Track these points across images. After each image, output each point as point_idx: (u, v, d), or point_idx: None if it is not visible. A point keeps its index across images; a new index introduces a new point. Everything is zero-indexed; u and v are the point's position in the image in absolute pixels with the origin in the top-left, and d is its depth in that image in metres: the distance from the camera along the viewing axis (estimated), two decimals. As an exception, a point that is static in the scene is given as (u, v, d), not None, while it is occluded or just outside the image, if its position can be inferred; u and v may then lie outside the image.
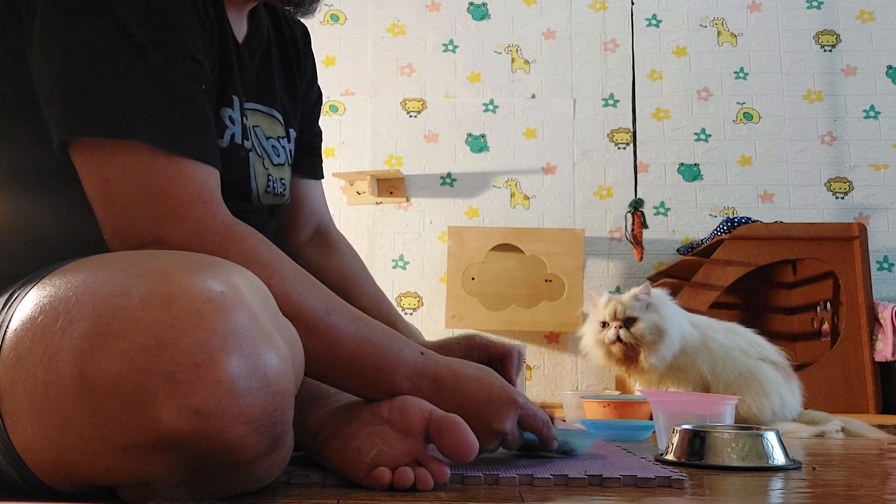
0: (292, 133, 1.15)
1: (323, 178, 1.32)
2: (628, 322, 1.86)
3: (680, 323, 1.87)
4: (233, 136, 0.97)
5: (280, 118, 1.11)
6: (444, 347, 1.11)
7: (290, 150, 1.15)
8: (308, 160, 1.27)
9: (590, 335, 1.95)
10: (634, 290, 1.90)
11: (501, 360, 1.11)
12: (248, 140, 1.01)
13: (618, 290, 3.29)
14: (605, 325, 1.91)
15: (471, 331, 1.18)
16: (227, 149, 0.96)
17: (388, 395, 0.86)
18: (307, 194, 1.28)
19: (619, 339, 1.86)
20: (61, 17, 0.80)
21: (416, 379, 0.88)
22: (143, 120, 0.79)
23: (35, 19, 0.82)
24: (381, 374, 0.86)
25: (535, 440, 0.98)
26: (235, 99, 0.98)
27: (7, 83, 0.86)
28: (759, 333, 1.95)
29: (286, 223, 1.26)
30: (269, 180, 1.07)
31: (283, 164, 1.11)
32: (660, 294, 1.93)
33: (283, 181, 1.11)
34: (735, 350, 1.85)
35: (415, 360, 0.89)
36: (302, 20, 1.20)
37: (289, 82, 1.15)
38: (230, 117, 0.97)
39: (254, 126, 1.05)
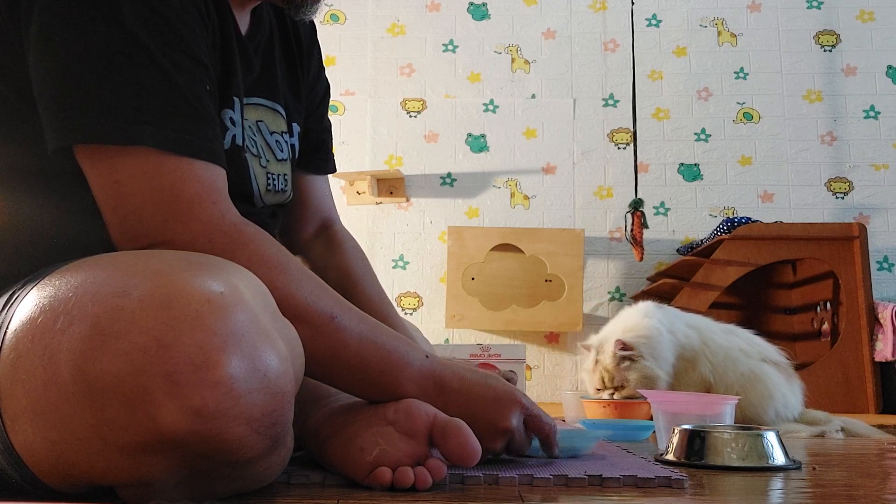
0: (295, 128, 1.15)
1: (335, 171, 1.30)
2: (619, 388, 1.84)
3: (670, 341, 1.83)
4: (234, 137, 0.97)
5: (283, 113, 1.11)
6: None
7: (293, 146, 1.14)
8: (318, 156, 1.26)
9: (590, 387, 1.94)
10: (612, 349, 1.84)
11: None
12: (247, 141, 1.01)
13: (617, 291, 3.29)
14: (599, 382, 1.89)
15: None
16: (229, 151, 0.95)
17: (392, 398, 0.86)
18: (313, 190, 1.27)
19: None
20: (62, 19, 0.79)
21: (421, 382, 0.88)
22: (150, 124, 0.79)
23: (33, 18, 0.81)
24: (385, 377, 0.86)
25: (539, 447, 0.98)
26: (236, 100, 0.98)
27: (7, 84, 0.85)
28: (757, 334, 1.94)
29: (292, 219, 1.25)
30: (268, 178, 1.07)
31: (285, 160, 1.11)
32: (642, 323, 1.86)
33: (284, 177, 1.11)
34: (735, 351, 1.85)
35: (420, 363, 0.89)
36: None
37: (292, 78, 1.15)
38: (231, 119, 0.97)
39: (258, 121, 1.05)
